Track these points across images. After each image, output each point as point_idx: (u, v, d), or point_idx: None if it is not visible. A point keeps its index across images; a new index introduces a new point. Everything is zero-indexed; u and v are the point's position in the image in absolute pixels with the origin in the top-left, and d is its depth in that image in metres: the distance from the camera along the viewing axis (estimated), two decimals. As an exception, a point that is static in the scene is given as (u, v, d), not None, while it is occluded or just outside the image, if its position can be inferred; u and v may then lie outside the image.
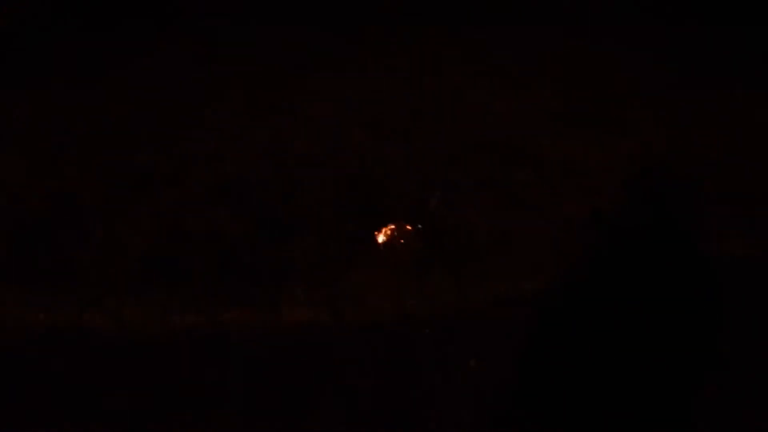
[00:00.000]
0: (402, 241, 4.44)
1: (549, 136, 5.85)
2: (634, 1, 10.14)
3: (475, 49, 8.08)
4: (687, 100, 6.69)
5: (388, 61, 7.78)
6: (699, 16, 9.22)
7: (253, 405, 3.66)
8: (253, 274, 4.49)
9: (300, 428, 3.41)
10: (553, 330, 3.39)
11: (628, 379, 3.06)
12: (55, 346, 4.31)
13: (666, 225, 3.36)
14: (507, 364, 3.56)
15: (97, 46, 12.05)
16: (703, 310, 3.13)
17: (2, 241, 5.20)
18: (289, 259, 4.60)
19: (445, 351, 3.75)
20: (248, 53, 10.00)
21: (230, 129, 6.53)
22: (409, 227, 4.45)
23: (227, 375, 3.85)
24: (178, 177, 5.72)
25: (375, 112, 6.43)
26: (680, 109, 6.57)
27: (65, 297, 4.59)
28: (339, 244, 4.60)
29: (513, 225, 4.62)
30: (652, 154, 5.60)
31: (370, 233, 4.64)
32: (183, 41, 9.34)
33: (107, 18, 13.32)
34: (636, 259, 3.26)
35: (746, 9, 9.40)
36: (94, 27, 13.29)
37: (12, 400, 3.88)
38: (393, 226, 4.46)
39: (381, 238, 4.43)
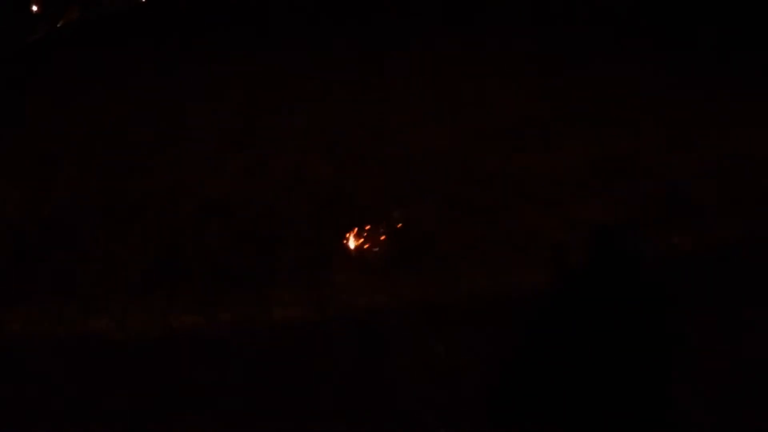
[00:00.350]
0: (371, 246, 4.72)
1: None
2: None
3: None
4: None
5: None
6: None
7: (252, 390, 3.88)
8: (245, 280, 4.67)
9: (293, 401, 3.67)
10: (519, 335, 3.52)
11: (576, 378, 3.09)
12: (63, 351, 4.41)
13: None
14: (470, 349, 3.82)
15: (101, 59, 12.32)
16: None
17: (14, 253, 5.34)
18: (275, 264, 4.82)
19: (413, 338, 3.98)
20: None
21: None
22: (377, 235, 4.76)
23: (226, 368, 3.97)
24: (173, 197, 5.90)
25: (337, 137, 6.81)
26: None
27: (71, 305, 4.74)
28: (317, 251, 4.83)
29: (469, 231, 4.86)
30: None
31: (343, 241, 4.90)
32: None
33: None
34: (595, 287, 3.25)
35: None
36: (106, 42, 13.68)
37: (22, 401, 3.96)
38: (364, 234, 4.76)
39: (353, 245, 4.70)
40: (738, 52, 7.78)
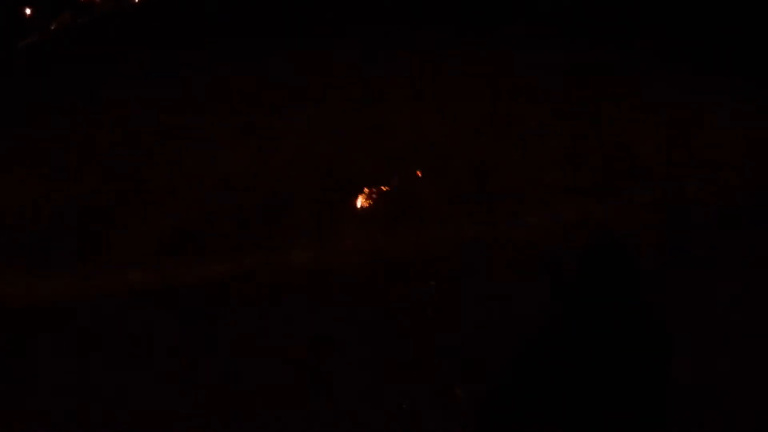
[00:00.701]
0: (373, 204, 5.64)
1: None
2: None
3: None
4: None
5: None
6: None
7: (275, 323, 4.71)
8: (265, 232, 5.55)
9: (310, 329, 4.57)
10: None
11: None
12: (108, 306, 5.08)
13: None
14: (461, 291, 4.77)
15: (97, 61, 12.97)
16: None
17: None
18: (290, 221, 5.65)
19: (410, 279, 4.99)
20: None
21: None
22: (377, 196, 5.61)
23: (253, 303, 4.85)
24: (192, 175, 6.82)
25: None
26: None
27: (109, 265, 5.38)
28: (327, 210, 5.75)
29: (453, 191, 5.93)
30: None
31: (349, 201, 5.79)
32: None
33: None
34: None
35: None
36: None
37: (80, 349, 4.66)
38: (366, 194, 5.63)
39: (359, 203, 5.64)
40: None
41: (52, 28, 21.89)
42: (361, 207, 5.81)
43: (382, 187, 5.91)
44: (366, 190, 5.91)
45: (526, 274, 4.55)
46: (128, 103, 10.08)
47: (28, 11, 23.40)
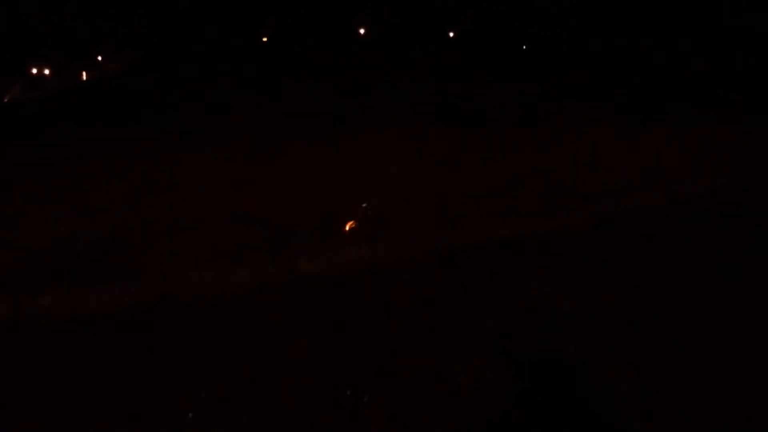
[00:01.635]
0: (355, 226, 7.61)
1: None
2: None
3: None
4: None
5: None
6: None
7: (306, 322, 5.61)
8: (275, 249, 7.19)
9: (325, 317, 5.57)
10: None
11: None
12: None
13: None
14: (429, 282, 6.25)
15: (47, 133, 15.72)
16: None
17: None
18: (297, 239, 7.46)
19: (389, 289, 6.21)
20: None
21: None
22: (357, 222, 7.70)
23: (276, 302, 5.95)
24: (209, 212, 8.46)
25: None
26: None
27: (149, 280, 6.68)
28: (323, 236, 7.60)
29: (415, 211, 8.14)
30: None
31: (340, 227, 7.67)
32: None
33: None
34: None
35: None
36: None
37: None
38: (350, 223, 7.71)
39: (347, 228, 7.60)
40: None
41: (5, 100, 31.82)
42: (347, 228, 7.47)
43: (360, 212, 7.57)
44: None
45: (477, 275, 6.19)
46: (120, 158, 11.61)
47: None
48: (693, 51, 27.67)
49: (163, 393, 4.42)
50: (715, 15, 31.65)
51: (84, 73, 42.68)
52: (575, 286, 5.83)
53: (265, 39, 45.47)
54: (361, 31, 42.85)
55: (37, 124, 18.87)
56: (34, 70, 43.45)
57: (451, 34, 39.54)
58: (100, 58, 46.76)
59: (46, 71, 44.55)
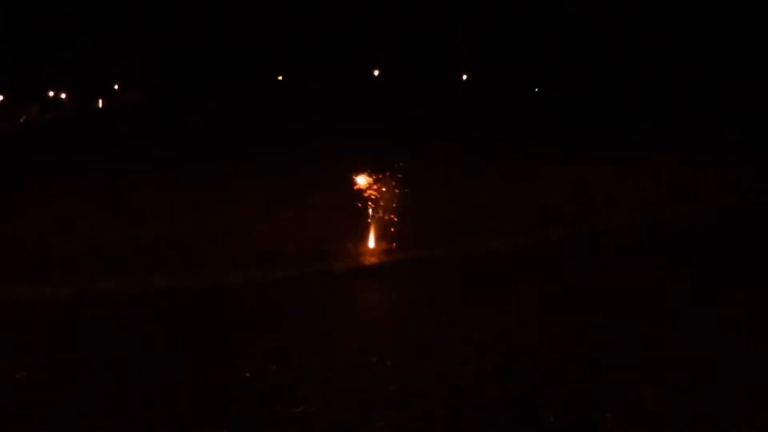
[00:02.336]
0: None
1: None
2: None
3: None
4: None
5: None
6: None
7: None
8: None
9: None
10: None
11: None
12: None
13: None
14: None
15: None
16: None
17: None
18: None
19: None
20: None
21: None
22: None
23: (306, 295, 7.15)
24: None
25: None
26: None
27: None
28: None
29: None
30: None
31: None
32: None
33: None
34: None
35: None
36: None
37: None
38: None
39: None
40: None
41: (21, 120, 32.54)
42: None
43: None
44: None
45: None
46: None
47: (0, 97, 33.66)
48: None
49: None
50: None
51: (100, 101, 43.53)
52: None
53: (280, 78, 46.41)
54: (375, 72, 43.76)
55: (79, 142, 21.39)
56: (51, 93, 44.35)
57: (465, 77, 40.39)
58: (116, 86, 47.79)
59: (63, 95, 45.44)
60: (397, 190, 8.89)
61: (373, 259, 8.37)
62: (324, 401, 4.54)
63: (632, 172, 12.80)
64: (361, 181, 8.83)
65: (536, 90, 33.99)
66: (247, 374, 4.97)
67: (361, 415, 4.35)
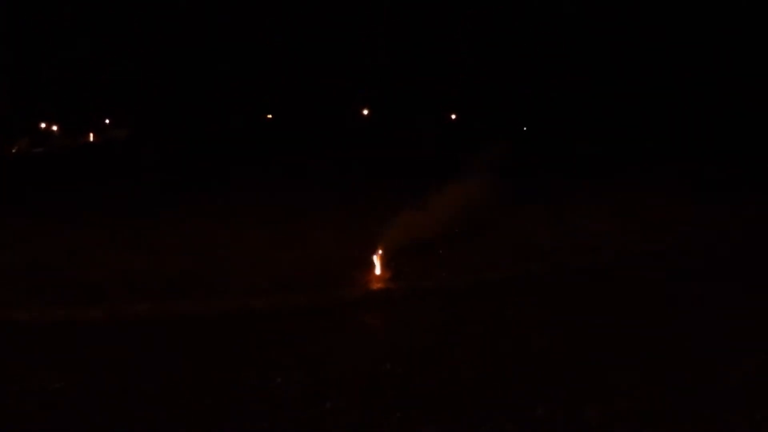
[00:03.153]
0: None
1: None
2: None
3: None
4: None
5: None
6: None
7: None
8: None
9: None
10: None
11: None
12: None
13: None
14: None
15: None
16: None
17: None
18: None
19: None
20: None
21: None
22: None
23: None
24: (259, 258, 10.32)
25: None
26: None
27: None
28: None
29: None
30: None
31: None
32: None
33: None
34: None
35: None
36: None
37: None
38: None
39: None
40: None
41: (13, 151, 32.68)
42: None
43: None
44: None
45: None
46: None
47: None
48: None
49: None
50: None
51: (91, 135, 43.70)
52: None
53: (269, 116, 46.98)
54: (365, 112, 44.50)
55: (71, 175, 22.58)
56: (43, 125, 44.50)
57: (453, 117, 41.14)
58: (107, 121, 48.04)
59: (54, 128, 45.61)
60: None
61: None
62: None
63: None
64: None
65: (525, 129, 34.76)
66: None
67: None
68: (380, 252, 9.61)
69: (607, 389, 5.47)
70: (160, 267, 9.61)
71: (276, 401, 5.33)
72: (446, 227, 10.87)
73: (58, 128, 46.33)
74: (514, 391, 5.48)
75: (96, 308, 8.05)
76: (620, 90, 36.23)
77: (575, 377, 5.74)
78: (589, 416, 4.96)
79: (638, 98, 35.40)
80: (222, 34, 51.58)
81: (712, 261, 9.98)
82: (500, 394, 5.44)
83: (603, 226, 12.06)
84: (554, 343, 6.60)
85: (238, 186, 18.28)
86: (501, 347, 6.58)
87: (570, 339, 6.77)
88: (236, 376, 5.90)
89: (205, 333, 7.42)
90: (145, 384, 5.74)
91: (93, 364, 6.29)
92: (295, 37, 50.92)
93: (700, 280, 8.81)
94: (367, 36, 51.11)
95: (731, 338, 6.64)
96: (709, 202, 14.18)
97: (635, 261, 10.21)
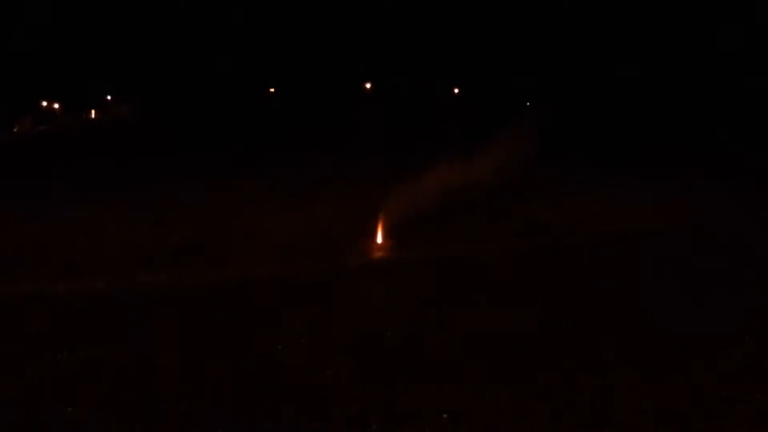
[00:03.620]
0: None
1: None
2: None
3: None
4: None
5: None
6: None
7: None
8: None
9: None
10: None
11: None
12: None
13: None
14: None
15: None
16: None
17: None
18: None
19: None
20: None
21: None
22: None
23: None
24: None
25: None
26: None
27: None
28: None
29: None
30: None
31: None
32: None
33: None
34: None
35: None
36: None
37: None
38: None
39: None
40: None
41: (15, 130, 32.54)
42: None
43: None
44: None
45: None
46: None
47: (-7, 107, 33.00)
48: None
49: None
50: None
51: (93, 112, 43.58)
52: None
53: (272, 90, 46.71)
54: (367, 85, 44.21)
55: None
56: (44, 103, 44.36)
57: (456, 90, 40.90)
58: (109, 97, 47.87)
59: (56, 106, 45.47)
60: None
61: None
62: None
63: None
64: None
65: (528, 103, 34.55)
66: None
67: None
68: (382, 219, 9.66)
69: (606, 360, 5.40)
70: (164, 238, 9.64)
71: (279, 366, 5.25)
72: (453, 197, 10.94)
73: (60, 106, 46.33)
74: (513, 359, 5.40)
75: (99, 280, 7.92)
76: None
77: (572, 350, 5.62)
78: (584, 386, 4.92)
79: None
80: (225, 5, 51.13)
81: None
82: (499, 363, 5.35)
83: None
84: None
85: (240, 159, 18.26)
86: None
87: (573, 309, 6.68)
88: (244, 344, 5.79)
89: (212, 301, 7.26)
90: (146, 354, 5.59)
91: (93, 335, 6.15)
92: (300, 10, 50.48)
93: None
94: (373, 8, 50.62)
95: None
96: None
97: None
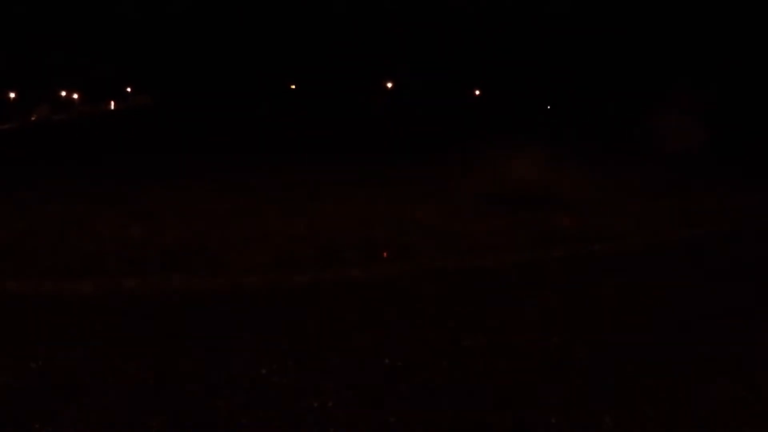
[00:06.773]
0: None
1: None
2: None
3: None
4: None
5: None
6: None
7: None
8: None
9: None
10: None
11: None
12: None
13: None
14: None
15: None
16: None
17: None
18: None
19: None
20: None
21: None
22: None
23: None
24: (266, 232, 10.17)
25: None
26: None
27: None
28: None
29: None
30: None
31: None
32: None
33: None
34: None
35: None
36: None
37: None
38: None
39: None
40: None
41: (33, 118, 32.64)
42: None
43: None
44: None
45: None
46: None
47: (12, 95, 33.87)
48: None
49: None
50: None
51: (112, 103, 43.61)
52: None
53: (293, 86, 46.42)
54: (389, 84, 43.73)
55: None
56: (63, 93, 44.42)
57: (477, 92, 40.29)
58: (129, 89, 47.90)
59: (75, 95, 45.57)
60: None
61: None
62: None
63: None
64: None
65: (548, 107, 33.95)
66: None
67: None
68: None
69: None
70: (156, 238, 9.12)
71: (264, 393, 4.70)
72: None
73: (79, 96, 46.35)
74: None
75: (86, 281, 7.44)
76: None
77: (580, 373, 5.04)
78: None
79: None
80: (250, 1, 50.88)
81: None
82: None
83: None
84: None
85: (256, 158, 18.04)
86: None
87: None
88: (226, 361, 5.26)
89: (201, 310, 6.74)
90: (126, 366, 5.15)
91: (74, 340, 5.76)
92: (321, 8, 50.09)
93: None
94: (393, 8, 50.15)
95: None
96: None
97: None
